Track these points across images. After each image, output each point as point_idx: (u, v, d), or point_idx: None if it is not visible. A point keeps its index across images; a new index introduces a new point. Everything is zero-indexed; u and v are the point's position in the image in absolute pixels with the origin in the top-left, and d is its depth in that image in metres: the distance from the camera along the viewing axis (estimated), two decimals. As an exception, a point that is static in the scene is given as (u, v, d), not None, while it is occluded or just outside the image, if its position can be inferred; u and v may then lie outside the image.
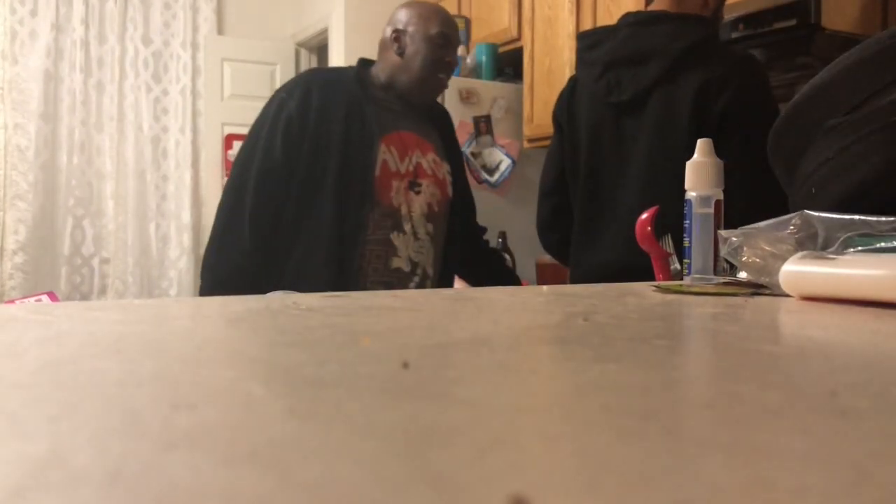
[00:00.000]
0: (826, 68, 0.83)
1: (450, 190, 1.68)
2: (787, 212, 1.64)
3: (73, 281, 3.76)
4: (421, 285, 1.61)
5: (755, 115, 1.42)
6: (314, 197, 1.54)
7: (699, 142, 0.82)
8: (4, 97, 3.61)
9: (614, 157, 1.55)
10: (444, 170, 1.67)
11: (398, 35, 1.64)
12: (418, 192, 1.60)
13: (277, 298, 0.59)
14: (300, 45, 4.17)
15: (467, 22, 3.19)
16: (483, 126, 2.83)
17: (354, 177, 1.54)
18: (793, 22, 1.91)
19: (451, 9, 3.33)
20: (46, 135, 3.67)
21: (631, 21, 1.56)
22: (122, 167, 3.81)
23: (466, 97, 2.82)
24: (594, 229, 1.58)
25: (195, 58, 3.97)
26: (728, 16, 2.07)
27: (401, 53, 1.63)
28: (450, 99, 2.78)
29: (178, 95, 3.94)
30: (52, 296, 1.71)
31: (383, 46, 1.69)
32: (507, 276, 1.89)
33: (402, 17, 1.66)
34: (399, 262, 1.57)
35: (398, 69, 1.64)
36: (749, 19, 2.01)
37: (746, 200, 1.24)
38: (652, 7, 1.58)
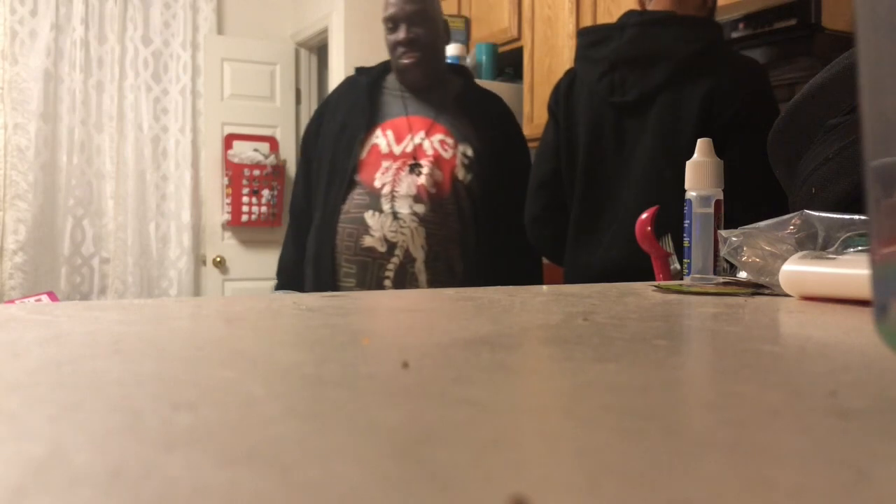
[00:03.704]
0: (826, 68, 0.83)
1: (461, 173, 1.65)
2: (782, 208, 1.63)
3: (73, 281, 3.76)
4: (403, 268, 1.59)
5: (762, 124, 1.42)
6: (318, 189, 1.66)
7: (699, 141, 0.82)
8: (4, 97, 3.61)
9: (614, 157, 1.54)
10: (458, 151, 1.65)
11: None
12: (418, 174, 1.60)
13: (277, 298, 0.59)
14: (300, 45, 4.17)
15: (467, 22, 3.19)
16: (483, 126, 2.83)
17: (340, 162, 1.63)
18: (793, 22, 1.91)
19: (451, 9, 3.33)
20: (46, 135, 3.67)
21: (637, 21, 1.55)
22: (122, 167, 3.81)
23: (466, 97, 2.81)
24: (590, 228, 1.57)
25: (195, 58, 3.97)
26: (728, 16, 2.07)
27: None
28: (450, 99, 2.78)
29: (178, 95, 3.94)
30: (52, 296, 1.72)
31: None
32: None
33: None
34: (372, 242, 1.58)
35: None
36: (749, 19, 2.01)
37: (752, 207, 1.25)
38: (654, 6, 1.58)
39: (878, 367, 0.31)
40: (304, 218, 1.72)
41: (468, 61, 3.04)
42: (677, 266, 1.05)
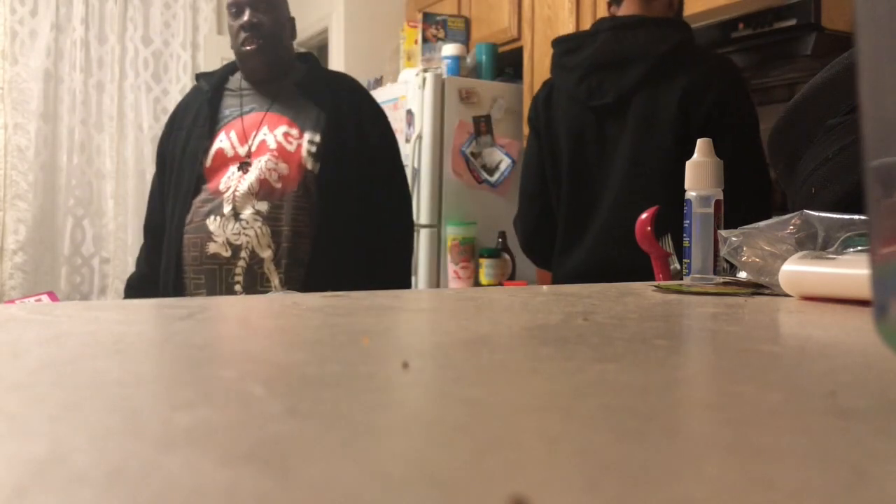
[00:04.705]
0: (826, 68, 0.83)
1: (308, 163, 1.56)
2: (768, 207, 1.68)
3: (73, 281, 3.76)
4: (251, 270, 1.52)
5: (736, 115, 1.48)
6: (167, 202, 1.63)
7: (699, 141, 0.82)
8: (4, 97, 3.61)
9: (597, 160, 1.58)
10: (303, 141, 1.57)
11: None
12: (246, 171, 1.54)
13: (277, 298, 0.59)
14: (300, 45, 4.17)
15: (467, 22, 3.19)
16: (483, 126, 2.83)
17: (185, 173, 1.59)
18: (793, 22, 1.91)
19: (451, 9, 3.33)
20: (46, 135, 3.67)
21: (609, 26, 1.60)
22: (122, 167, 3.81)
23: (466, 97, 2.82)
24: (578, 231, 1.60)
25: (195, 58, 3.97)
26: (728, 16, 2.07)
27: (233, 46, 1.68)
28: (450, 99, 2.78)
29: (178, 95, 3.94)
30: (52, 296, 1.72)
31: None
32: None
33: None
34: (216, 248, 1.52)
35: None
36: (749, 19, 2.01)
37: (728, 201, 1.29)
38: (623, 12, 1.62)
39: (878, 367, 0.31)
40: (159, 234, 1.65)
41: (468, 61, 3.04)
42: (677, 266, 1.05)
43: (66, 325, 0.40)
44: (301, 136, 1.58)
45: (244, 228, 1.52)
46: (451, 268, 2.77)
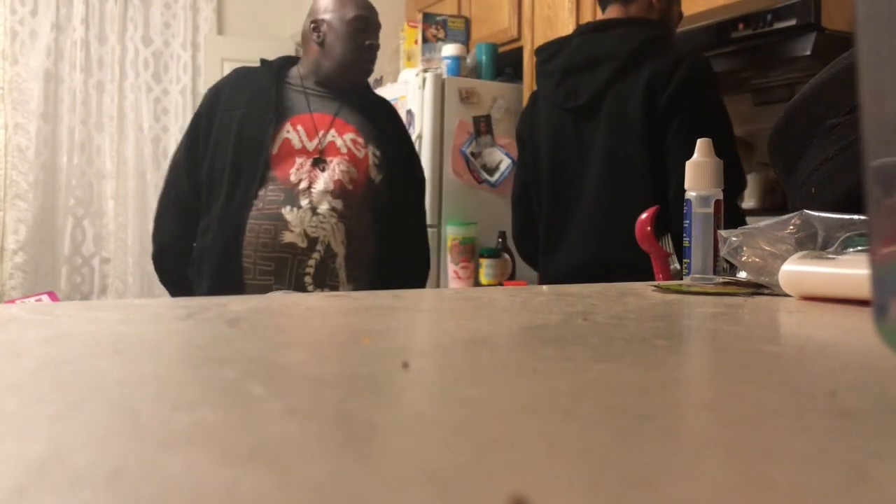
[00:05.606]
0: (826, 68, 0.83)
1: (373, 172, 1.66)
2: (736, 200, 1.69)
3: (73, 281, 3.76)
4: (324, 262, 1.59)
5: (699, 102, 1.50)
6: (217, 180, 1.63)
7: (699, 142, 0.82)
8: (4, 97, 3.61)
9: (575, 161, 1.62)
10: (369, 152, 1.67)
11: (317, 25, 1.72)
12: (323, 169, 1.60)
13: (277, 298, 0.59)
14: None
15: (467, 22, 3.18)
16: (483, 126, 2.83)
17: (247, 155, 1.60)
18: (793, 22, 1.91)
19: (452, 9, 3.33)
20: (46, 135, 3.67)
21: (584, 30, 1.66)
22: (122, 167, 3.81)
23: (466, 97, 2.81)
24: (559, 231, 1.64)
25: (195, 58, 3.97)
26: (728, 16, 2.06)
27: (321, 43, 1.70)
28: (450, 99, 2.78)
29: (179, 95, 3.94)
30: (52, 296, 1.72)
31: (304, 38, 1.75)
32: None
33: (320, 5, 1.72)
34: (292, 237, 1.56)
35: (320, 58, 1.70)
36: (749, 19, 2.01)
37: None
38: (606, 17, 1.67)
39: (878, 367, 0.31)
40: (190, 211, 1.67)
41: (468, 61, 3.04)
42: (677, 266, 1.05)
43: (66, 325, 0.40)
44: (366, 147, 1.67)
45: (321, 222, 1.58)
46: (451, 268, 2.77)
